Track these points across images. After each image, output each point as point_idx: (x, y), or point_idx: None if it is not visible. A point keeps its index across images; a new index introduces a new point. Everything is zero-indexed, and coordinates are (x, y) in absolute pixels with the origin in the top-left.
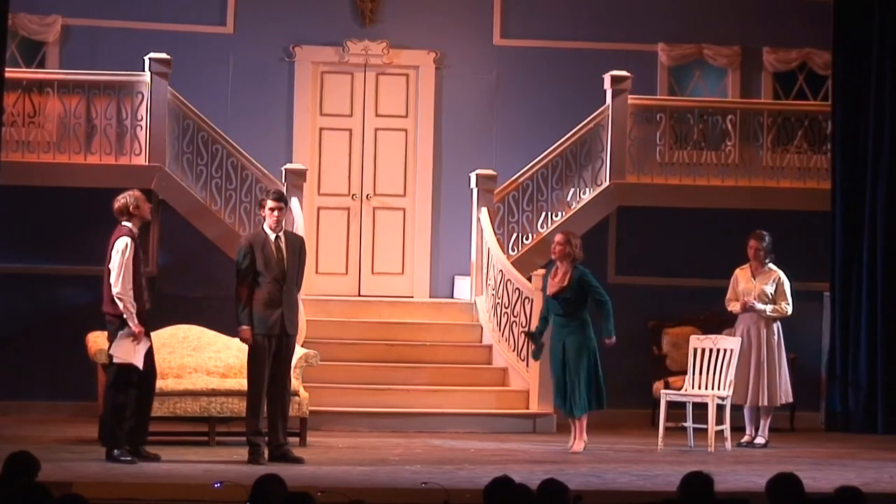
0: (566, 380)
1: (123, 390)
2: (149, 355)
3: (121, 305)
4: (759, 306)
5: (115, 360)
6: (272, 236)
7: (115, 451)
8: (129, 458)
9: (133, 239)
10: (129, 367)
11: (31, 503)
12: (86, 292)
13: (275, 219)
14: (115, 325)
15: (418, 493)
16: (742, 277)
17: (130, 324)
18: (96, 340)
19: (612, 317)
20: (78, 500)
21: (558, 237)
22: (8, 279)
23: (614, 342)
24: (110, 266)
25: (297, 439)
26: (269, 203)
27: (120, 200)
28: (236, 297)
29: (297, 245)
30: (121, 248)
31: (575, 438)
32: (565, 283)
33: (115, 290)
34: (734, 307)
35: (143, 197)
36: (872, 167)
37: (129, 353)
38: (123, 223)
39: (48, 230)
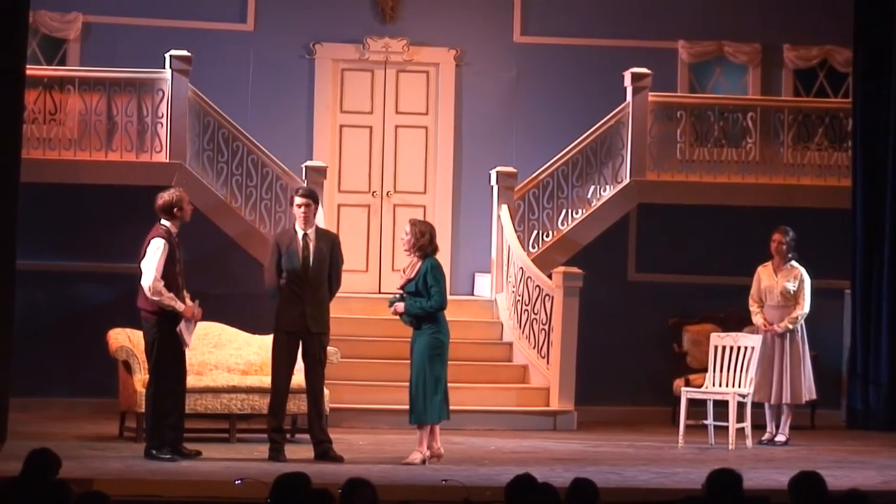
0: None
1: (165, 388)
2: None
3: (157, 300)
4: (781, 330)
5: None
6: (300, 234)
7: (153, 449)
8: (168, 456)
9: (168, 240)
10: (168, 367)
11: (52, 500)
12: (106, 289)
13: (301, 216)
14: (151, 322)
15: (438, 490)
16: (764, 275)
17: (177, 308)
18: (117, 337)
19: (425, 311)
20: (99, 496)
21: (407, 227)
22: (29, 276)
23: (397, 310)
24: (141, 265)
25: None
26: (296, 200)
27: (164, 197)
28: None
29: (328, 243)
30: (152, 251)
31: (418, 449)
32: (412, 275)
33: (145, 286)
34: (758, 322)
35: (188, 198)
36: (893, 164)
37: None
38: (162, 222)
39: (69, 227)
